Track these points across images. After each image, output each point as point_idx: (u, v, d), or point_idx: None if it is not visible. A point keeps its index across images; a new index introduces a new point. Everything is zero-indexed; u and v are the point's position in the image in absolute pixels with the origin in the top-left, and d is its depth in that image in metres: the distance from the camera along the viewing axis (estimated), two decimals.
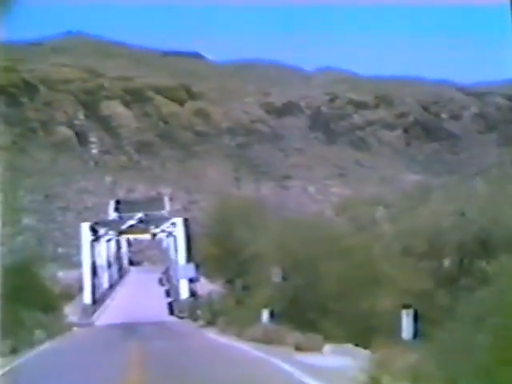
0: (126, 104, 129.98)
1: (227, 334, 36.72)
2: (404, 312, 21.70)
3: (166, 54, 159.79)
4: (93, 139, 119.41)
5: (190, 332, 42.96)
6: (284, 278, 42.83)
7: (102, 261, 75.05)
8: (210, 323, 45.55)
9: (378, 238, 52.26)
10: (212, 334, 38.21)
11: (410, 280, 39.41)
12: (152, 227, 72.75)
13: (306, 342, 24.72)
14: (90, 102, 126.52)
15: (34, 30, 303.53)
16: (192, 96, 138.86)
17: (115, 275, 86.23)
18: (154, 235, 76.87)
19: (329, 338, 25.77)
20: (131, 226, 71.80)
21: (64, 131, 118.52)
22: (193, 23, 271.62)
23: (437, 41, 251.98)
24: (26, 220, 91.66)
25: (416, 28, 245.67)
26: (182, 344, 31.34)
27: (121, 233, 73.60)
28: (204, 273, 65.95)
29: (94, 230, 67.77)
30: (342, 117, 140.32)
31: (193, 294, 62.62)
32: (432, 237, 45.80)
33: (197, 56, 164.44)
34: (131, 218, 72.51)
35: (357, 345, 22.69)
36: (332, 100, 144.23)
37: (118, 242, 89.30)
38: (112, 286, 78.62)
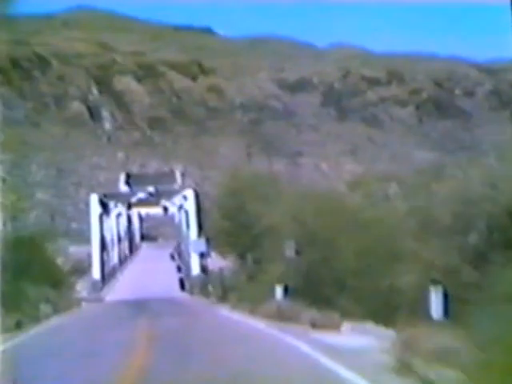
0: (139, 79, 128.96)
1: (239, 310, 35.61)
2: (433, 288, 19.80)
3: (178, 28, 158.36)
4: (105, 114, 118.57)
5: (201, 308, 41.71)
6: (298, 253, 40.97)
7: (112, 236, 73.52)
8: (222, 299, 44.21)
9: (394, 212, 50.77)
10: (224, 311, 37.03)
11: (433, 255, 37.01)
12: (163, 200, 71.55)
13: (323, 320, 23.68)
14: (102, 77, 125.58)
15: (45, 3, 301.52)
16: (204, 71, 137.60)
17: (126, 251, 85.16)
18: (166, 209, 75.64)
19: (346, 316, 24.57)
20: (141, 199, 70.67)
21: (77, 106, 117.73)
22: None
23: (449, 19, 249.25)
24: (39, 195, 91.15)
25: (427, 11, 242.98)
26: (193, 321, 30.47)
27: (130, 206, 72.35)
28: (215, 248, 64.24)
29: (102, 203, 66.04)
30: (355, 93, 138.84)
31: (204, 269, 61.64)
32: (457, 209, 43.12)
33: (209, 31, 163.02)
34: (141, 191, 71.39)
35: (377, 323, 21.42)
36: (345, 76, 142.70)
37: (129, 217, 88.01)
38: (123, 262, 77.37)
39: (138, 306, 41.88)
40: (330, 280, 37.78)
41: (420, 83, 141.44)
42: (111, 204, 69.91)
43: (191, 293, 56.21)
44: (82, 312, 43.59)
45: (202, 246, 60.58)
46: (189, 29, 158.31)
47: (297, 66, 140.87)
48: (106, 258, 67.07)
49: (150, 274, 66.09)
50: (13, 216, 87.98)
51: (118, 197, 73.35)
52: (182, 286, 60.29)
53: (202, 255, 62.23)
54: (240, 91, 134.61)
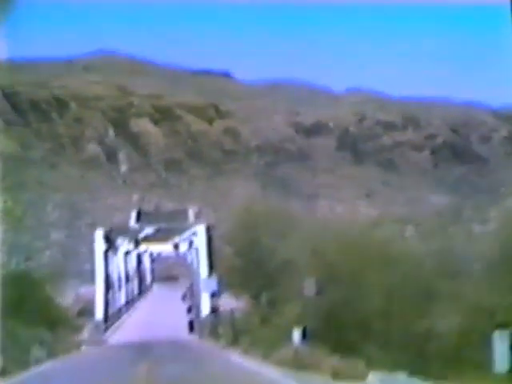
0: (155, 122, 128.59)
1: (252, 356, 33.02)
2: (497, 334, 15.28)
3: (196, 72, 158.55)
4: (121, 156, 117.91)
5: (209, 353, 39.02)
6: (318, 291, 36.93)
7: (119, 275, 70.79)
8: (233, 343, 41.39)
9: (414, 253, 46.96)
10: (234, 356, 34.30)
11: (477, 295, 30.84)
12: (172, 237, 68.00)
13: (346, 368, 21.28)
14: (119, 120, 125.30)
15: (66, 48, 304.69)
16: (221, 114, 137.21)
17: (135, 291, 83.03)
18: (176, 247, 72.64)
19: (373, 364, 21.91)
20: (149, 235, 67.68)
21: (93, 148, 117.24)
22: (222, 43, 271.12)
23: (466, 63, 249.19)
24: (54, 235, 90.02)
25: (444, 52, 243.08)
26: (198, 368, 28.23)
27: (137, 242, 68.59)
28: (227, 287, 60.20)
29: (108, 239, 62.85)
30: (370, 137, 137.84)
31: (214, 310, 57.84)
32: (495, 250, 37.78)
33: (226, 75, 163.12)
34: (150, 226, 67.77)
35: (410, 374, 18.34)
36: (360, 120, 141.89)
37: (138, 257, 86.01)
38: (130, 302, 74.83)
39: (141, 350, 39.41)
40: (354, 323, 33.68)
41: (436, 128, 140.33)
42: (118, 240, 66.36)
43: (200, 335, 52.95)
44: (79, 356, 40.64)
45: (213, 284, 56.38)
46: (207, 73, 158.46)
47: (313, 110, 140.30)
48: (111, 298, 63.71)
49: (158, 316, 63.92)
50: (27, 256, 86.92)
51: (125, 232, 69.79)
52: (191, 328, 56.65)
53: (213, 295, 58.22)
54: (256, 134, 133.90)
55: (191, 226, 67.48)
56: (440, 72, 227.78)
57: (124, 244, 69.84)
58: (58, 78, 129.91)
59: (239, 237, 60.88)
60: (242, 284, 58.68)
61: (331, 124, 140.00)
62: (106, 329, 56.71)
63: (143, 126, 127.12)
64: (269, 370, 25.17)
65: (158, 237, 67.30)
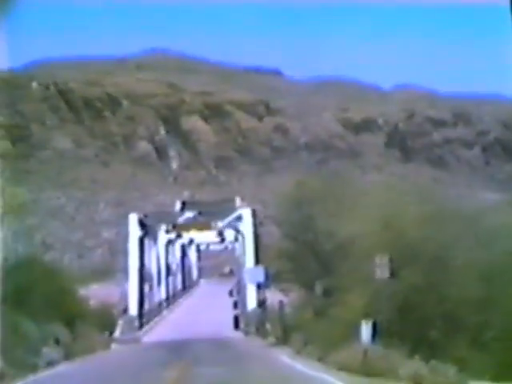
0: (206, 119, 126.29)
1: (305, 357, 27.01)
2: None
3: (247, 70, 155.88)
4: (172, 154, 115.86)
5: (255, 353, 32.62)
6: (392, 275, 26.75)
7: (159, 267, 62.60)
8: (282, 341, 35.24)
9: None
10: (284, 357, 28.43)
11: None
12: (214, 222, 57.58)
13: (431, 376, 15.16)
14: (170, 117, 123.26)
15: (121, 46, 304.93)
16: (270, 112, 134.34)
17: (178, 286, 76.60)
18: (221, 234, 63.77)
19: (466, 370, 15.93)
20: (189, 219, 57.60)
21: (144, 146, 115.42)
22: (273, 41, 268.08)
23: None
24: (105, 234, 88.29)
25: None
26: (242, 370, 22.85)
27: (175, 227, 58.54)
28: (275, 276, 51.91)
29: (143, 225, 53.65)
30: (420, 134, 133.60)
31: (261, 303, 50.03)
32: None
33: (276, 73, 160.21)
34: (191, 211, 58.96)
35: None
36: (410, 117, 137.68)
37: (183, 249, 78.83)
38: (172, 298, 68.26)
39: (178, 349, 33.92)
40: (440, 315, 24.70)
41: (487, 125, 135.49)
42: (153, 226, 56.61)
43: (246, 332, 46.35)
44: (104, 356, 34.81)
45: (260, 274, 48.48)
46: (257, 70, 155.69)
47: (361, 107, 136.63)
48: (148, 292, 56.20)
49: (202, 312, 58.16)
50: (79, 254, 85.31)
51: (162, 216, 61.18)
52: (236, 324, 49.70)
53: (260, 286, 50.16)
54: (305, 131, 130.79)
55: (235, 209, 58.39)
56: (490, 67, 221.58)
57: (162, 231, 60.63)
58: (110, 76, 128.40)
59: (290, 216, 50.43)
60: (293, 272, 49.94)
61: (380, 121, 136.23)
62: (141, 326, 50.17)
63: (194, 123, 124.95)
64: (328, 376, 19.84)
65: (200, 222, 57.72)
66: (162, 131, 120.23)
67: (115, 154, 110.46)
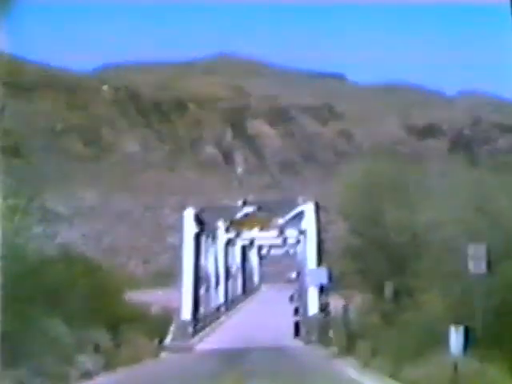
0: (271, 123, 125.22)
1: (374, 370, 23.02)
2: None
3: (311, 74, 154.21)
4: (238, 158, 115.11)
5: (317, 365, 28.88)
6: (489, 269, 20.90)
7: (217, 268, 58.04)
8: (348, 351, 30.70)
9: None
10: (350, 370, 24.80)
11: None
12: (275, 218, 53.23)
13: None
14: (236, 121, 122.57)
15: (190, 50, 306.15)
16: (335, 116, 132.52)
17: (238, 290, 72.64)
18: (282, 232, 59.22)
19: None
20: (248, 214, 53.79)
21: (210, 150, 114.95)
22: (337, 46, 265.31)
23: None
24: (170, 239, 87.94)
25: None
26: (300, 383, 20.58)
27: (233, 223, 54.63)
28: (340, 278, 46.37)
29: (199, 221, 49.05)
30: (485, 140, 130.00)
31: (324, 308, 45.31)
32: None
33: (340, 77, 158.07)
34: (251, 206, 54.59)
35: None
36: (475, 123, 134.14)
37: (243, 251, 74.68)
38: (231, 303, 64.39)
39: (232, 359, 30.81)
40: None
41: None
42: (211, 222, 52.03)
43: (307, 340, 41.94)
44: (150, 366, 30.83)
45: (323, 276, 43.17)
46: (321, 75, 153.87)
47: (425, 112, 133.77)
48: (205, 296, 51.48)
49: (261, 319, 54.28)
50: (145, 259, 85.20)
51: (220, 211, 57.01)
52: (297, 331, 45.41)
53: (322, 289, 45.05)
54: (368, 136, 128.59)
55: (297, 205, 53.18)
56: None
57: (222, 230, 56.48)
58: (178, 80, 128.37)
59: (357, 209, 44.18)
60: (359, 272, 43.71)
61: (444, 126, 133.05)
62: (195, 332, 45.26)
63: (259, 127, 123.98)
64: None
65: (258, 216, 53.42)
66: (229, 135, 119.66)
67: (182, 158, 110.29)
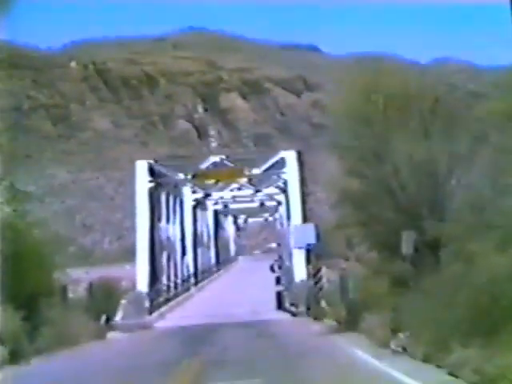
0: (244, 96, 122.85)
1: (397, 352, 15.92)
2: None
3: (284, 47, 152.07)
4: (211, 133, 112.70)
5: (308, 343, 21.31)
6: None
7: (183, 234, 48.80)
8: (348, 325, 22.67)
9: None
10: (360, 353, 16.98)
11: None
12: (249, 169, 41.77)
13: None
14: (208, 95, 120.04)
15: (158, 26, 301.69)
16: (309, 87, 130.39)
17: (211, 260, 64.43)
18: (258, 191, 50.17)
19: None
20: (215, 164, 41.94)
21: (183, 125, 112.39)
22: (309, 17, 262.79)
23: None
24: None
25: None
26: (292, 373, 14.47)
27: (197, 176, 42.33)
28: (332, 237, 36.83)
29: (153, 173, 39.94)
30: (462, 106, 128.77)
31: (315, 274, 35.27)
32: None
33: (314, 49, 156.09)
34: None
35: None
36: (450, 91, 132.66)
37: (216, 217, 66.82)
38: (201, 273, 56.12)
39: (200, 339, 25.05)
40: None
41: None
42: (170, 177, 41.82)
43: (293, 312, 34.27)
44: (86, 350, 23.94)
45: (310, 234, 34.66)
46: (294, 47, 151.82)
47: (403, 82, 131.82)
48: (167, 265, 43.12)
49: (238, 289, 48.09)
50: (119, 235, 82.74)
51: (180, 165, 46.03)
52: (280, 302, 39.08)
53: (309, 251, 36.26)
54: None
55: (275, 153, 43.60)
56: None
57: (188, 190, 48.79)
58: (148, 55, 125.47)
59: (355, 136, 30.83)
60: (362, 224, 30.42)
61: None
62: (155, 308, 37.58)
63: (232, 100, 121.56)
64: None
65: (229, 167, 42.07)
66: (201, 109, 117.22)
67: (154, 134, 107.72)
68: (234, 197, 55.88)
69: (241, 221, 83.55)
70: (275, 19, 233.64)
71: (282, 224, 57.50)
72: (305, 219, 39.13)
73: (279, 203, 55.87)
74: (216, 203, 60.27)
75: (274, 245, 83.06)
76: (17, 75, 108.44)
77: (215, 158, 42.64)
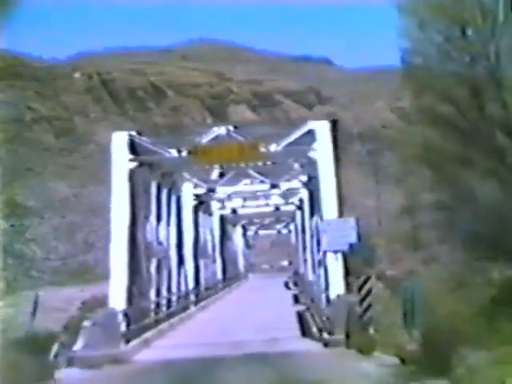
0: (254, 108, 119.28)
1: None
2: None
3: (296, 59, 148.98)
4: None
5: None
6: None
7: (180, 238, 39.24)
8: (428, 366, 14.35)
9: None
10: None
11: None
12: (265, 144, 31.39)
13: None
14: (217, 108, 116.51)
15: (167, 37, 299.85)
16: (321, 100, 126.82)
17: (217, 273, 55.75)
18: (276, 187, 40.92)
19: None
20: (218, 137, 33.08)
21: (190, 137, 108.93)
22: (322, 29, 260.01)
23: None
24: None
25: None
26: None
27: (192, 153, 31.66)
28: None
29: (134, 150, 30.37)
30: None
31: (360, 288, 23.84)
32: None
33: (326, 61, 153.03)
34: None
35: None
36: None
37: (222, 223, 57.21)
38: (205, 289, 47.11)
39: (190, 381, 17.91)
40: None
41: None
42: (158, 156, 31.57)
43: (326, 341, 23.73)
44: None
45: (350, 232, 24.97)
46: (306, 59, 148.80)
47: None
48: (155, 274, 33.21)
49: (249, 309, 40.26)
50: None
51: (173, 138, 35.82)
52: (303, 327, 29.20)
53: (345, 256, 26.94)
54: (357, 120, 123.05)
55: (301, 125, 32.64)
56: None
57: (188, 184, 39.49)
58: (155, 65, 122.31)
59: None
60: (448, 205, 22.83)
61: None
62: (134, 332, 27.12)
63: (242, 113, 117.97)
64: None
65: (239, 141, 31.93)
66: (209, 121, 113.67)
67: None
68: (243, 197, 47.91)
69: (250, 233, 78.95)
70: (286, 31, 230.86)
71: (296, 237, 51.88)
72: (341, 214, 28.91)
73: (300, 206, 47.63)
74: (222, 207, 52.06)
75: (286, 262, 79.34)
76: (19, 86, 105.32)
77: (220, 131, 33.01)
